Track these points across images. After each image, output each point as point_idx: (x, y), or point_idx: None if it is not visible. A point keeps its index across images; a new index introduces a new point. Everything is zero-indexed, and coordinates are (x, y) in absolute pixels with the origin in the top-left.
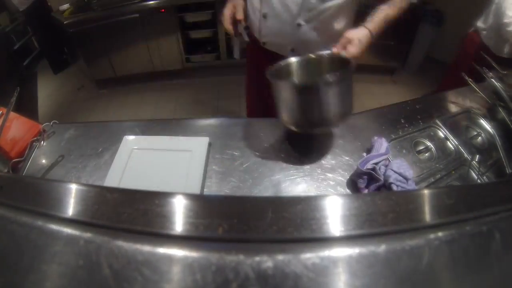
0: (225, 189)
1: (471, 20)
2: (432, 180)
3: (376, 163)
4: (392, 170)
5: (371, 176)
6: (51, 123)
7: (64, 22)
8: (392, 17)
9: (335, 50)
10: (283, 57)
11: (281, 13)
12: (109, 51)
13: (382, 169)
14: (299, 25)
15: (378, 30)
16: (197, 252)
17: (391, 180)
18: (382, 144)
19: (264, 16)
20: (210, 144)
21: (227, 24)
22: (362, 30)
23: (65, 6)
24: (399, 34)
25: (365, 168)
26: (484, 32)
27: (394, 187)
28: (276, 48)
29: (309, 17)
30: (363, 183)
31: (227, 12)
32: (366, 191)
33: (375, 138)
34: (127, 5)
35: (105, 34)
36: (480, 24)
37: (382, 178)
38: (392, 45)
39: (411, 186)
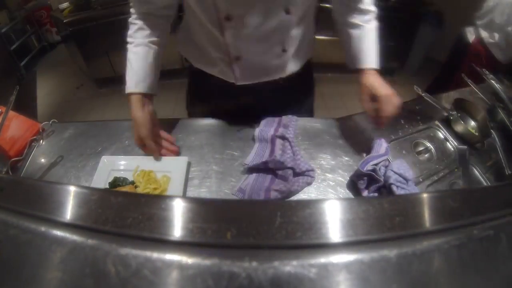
0: (225, 189)
1: (470, 21)
2: (436, 178)
3: (376, 164)
4: (392, 171)
5: (371, 177)
6: (50, 122)
7: (64, 21)
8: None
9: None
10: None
11: (259, 47)
12: (108, 50)
13: (382, 170)
14: (283, 50)
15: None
16: (208, 259)
17: (391, 181)
18: (381, 145)
19: (238, 58)
20: (189, 164)
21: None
22: (375, 77)
23: (65, 4)
24: (399, 34)
25: (365, 169)
26: (491, 41)
27: (394, 188)
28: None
29: (291, 39)
30: (363, 184)
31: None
32: (366, 192)
33: (375, 139)
34: (127, 4)
35: (105, 33)
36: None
37: (382, 179)
38: (392, 45)
39: (411, 187)
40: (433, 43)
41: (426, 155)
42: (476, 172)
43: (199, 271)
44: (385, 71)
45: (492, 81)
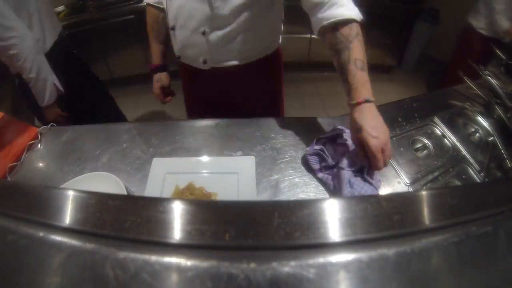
0: None
1: (466, 18)
2: (430, 177)
3: (324, 142)
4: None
5: (322, 157)
6: (49, 126)
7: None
8: (363, 53)
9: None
10: (199, 69)
11: (186, 23)
12: (105, 53)
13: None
14: (203, 33)
15: (368, 86)
16: (207, 261)
17: (342, 165)
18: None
19: (172, 28)
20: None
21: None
22: (371, 112)
23: (60, 8)
24: (395, 32)
25: (312, 149)
26: (476, 21)
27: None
28: (189, 60)
29: (213, 25)
30: (316, 164)
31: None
32: (321, 173)
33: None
34: (122, 6)
35: (101, 36)
36: (472, 16)
37: (329, 159)
38: (389, 43)
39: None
40: (429, 40)
41: (425, 151)
42: (471, 171)
43: (197, 273)
44: (382, 69)
45: (489, 77)
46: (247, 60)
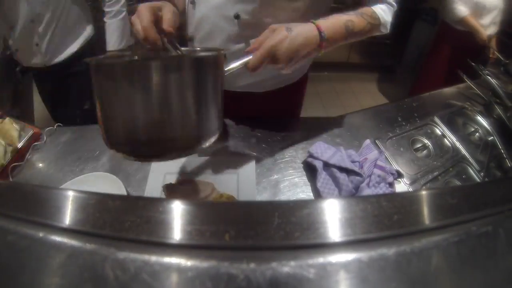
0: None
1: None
2: (430, 177)
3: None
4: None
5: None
6: (55, 127)
7: None
8: (358, 28)
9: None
10: None
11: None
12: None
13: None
14: (236, 17)
15: (334, 33)
16: (207, 261)
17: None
18: (371, 149)
19: (190, 39)
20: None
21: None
22: (306, 25)
23: None
24: (395, 32)
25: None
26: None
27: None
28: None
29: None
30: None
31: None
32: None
33: (365, 141)
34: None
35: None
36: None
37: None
38: (388, 43)
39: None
40: (429, 40)
41: (424, 151)
42: (471, 171)
43: (197, 273)
44: (381, 69)
45: (488, 77)
46: (270, 88)
